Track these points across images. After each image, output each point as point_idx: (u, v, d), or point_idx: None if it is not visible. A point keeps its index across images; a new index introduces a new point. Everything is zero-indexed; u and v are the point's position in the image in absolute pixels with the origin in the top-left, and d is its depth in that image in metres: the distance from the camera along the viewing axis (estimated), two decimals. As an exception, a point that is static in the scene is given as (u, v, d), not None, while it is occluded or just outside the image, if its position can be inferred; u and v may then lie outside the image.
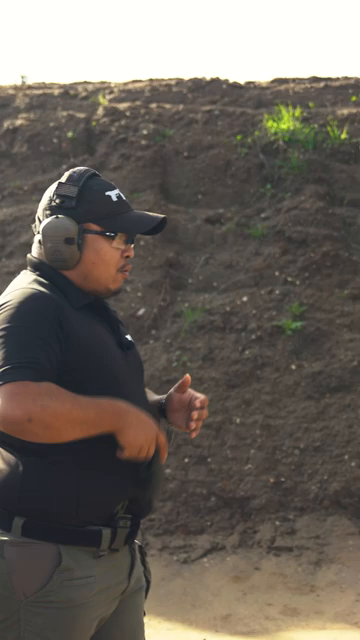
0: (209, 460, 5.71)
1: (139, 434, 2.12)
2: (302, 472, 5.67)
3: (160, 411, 2.35)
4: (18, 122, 7.85)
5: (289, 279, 6.60)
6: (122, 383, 2.21)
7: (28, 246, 6.88)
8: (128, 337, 2.36)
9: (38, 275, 2.25)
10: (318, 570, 5.16)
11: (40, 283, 2.22)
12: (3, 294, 2.25)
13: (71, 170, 2.30)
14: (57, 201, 2.24)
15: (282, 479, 5.64)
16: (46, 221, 2.24)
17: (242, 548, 5.36)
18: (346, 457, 5.70)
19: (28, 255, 2.31)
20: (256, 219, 7.00)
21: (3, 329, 2.12)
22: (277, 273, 6.65)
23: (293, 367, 6.12)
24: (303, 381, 6.05)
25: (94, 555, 2.18)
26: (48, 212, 2.25)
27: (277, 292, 6.51)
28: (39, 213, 2.29)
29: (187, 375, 2.19)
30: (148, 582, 2.40)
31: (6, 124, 7.86)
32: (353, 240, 6.86)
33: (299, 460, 5.72)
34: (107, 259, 2.25)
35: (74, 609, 2.15)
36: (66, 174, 2.28)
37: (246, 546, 5.38)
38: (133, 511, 2.23)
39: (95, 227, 2.24)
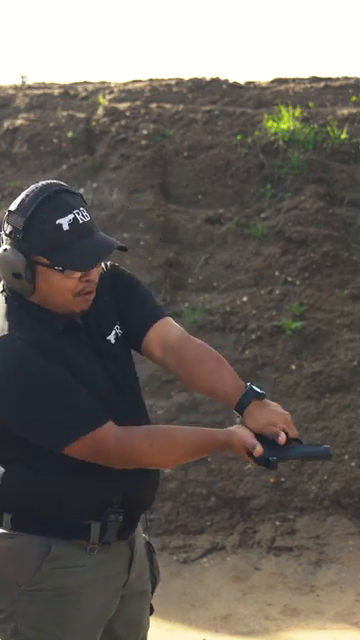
0: (209, 460, 5.71)
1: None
2: (302, 472, 5.67)
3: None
4: (18, 122, 7.85)
5: (289, 279, 6.59)
6: (105, 403, 2.19)
7: (28, 246, 6.88)
8: (112, 337, 2.28)
9: (11, 302, 2.20)
10: (318, 570, 5.16)
11: (16, 319, 2.17)
12: None
13: (25, 193, 2.19)
14: (7, 231, 2.16)
15: (282, 479, 5.64)
16: None
17: (242, 548, 5.36)
18: (346, 457, 5.70)
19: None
20: (256, 219, 7.00)
21: (29, 391, 2.10)
22: (277, 273, 6.64)
23: (293, 367, 6.12)
24: (303, 381, 6.05)
25: (84, 547, 2.20)
26: (3, 239, 2.18)
27: (277, 292, 6.50)
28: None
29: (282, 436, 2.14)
30: (155, 578, 2.42)
31: (6, 124, 7.86)
32: (353, 240, 6.86)
33: (299, 460, 5.71)
34: (60, 289, 2.16)
35: (67, 597, 2.18)
36: (18, 199, 2.18)
37: (246, 546, 5.37)
38: (127, 507, 2.25)
39: (44, 260, 2.13)
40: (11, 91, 8.48)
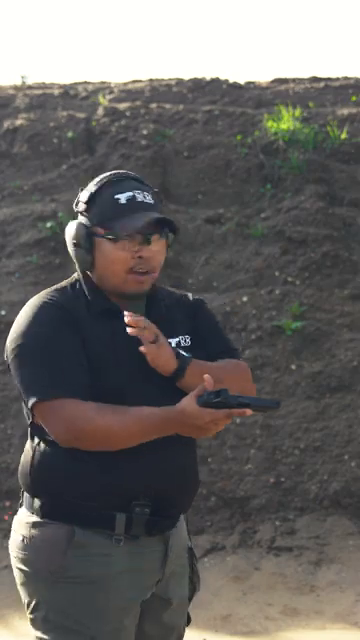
0: (209, 460, 5.71)
1: (197, 434, 2.17)
2: (302, 472, 5.67)
3: None
4: (18, 122, 7.85)
5: (289, 279, 6.59)
6: (130, 391, 2.23)
7: (28, 246, 6.87)
8: (173, 341, 2.33)
9: (76, 277, 2.36)
10: (318, 570, 5.16)
11: (65, 288, 2.32)
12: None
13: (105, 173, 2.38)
14: (76, 206, 2.34)
15: (282, 479, 5.64)
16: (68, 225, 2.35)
17: (242, 548, 5.36)
18: (346, 457, 5.70)
19: None
20: (256, 219, 7.00)
21: (26, 348, 2.22)
22: (277, 273, 6.64)
23: (293, 367, 6.12)
24: (303, 381, 6.04)
25: (110, 537, 2.22)
26: (73, 216, 2.37)
27: (277, 292, 6.50)
28: None
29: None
30: (194, 587, 2.43)
31: (6, 124, 7.86)
32: (353, 240, 6.86)
33: (299, 460, 5.72)
34: (112, 260, 2.26)
35: (92, 585, 2.21)
36: (93, 181, 2.37)
37: (246, 546, 5.37)
38: (155, 501, 2.25)
39: (100, 230, 2.27)
40: (11, 91, 8.48)
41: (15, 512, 2.42)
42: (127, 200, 2.27)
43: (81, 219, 2.31)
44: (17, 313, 2.36)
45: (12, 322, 2.35)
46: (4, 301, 6.51)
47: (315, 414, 5.90)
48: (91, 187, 2.32)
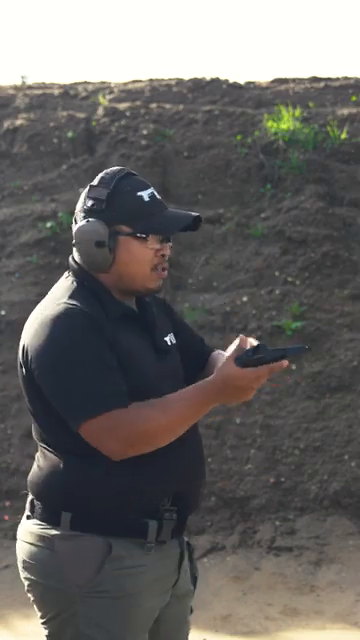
0: (209, 460, 5.71)
1: (240, 397, 2.16)
2: (302, 472, 5.67)
3: None
4: (18, 122, 7.85)
5: (289, 279, 6.59)
6: (153, 392, 2.22)
7: (28, 246, 6.87)
8: (167, 339, 2.37)
9: (77, 282, 2.28)
10: (318, 570, 5.16)
11: (77, 294, 2.24)
12: (41, 306, 2.27)
13: (104, 171, 2.30)
14: (88, 204, 2.25)
15: (282, 479, 5.64)
16: (78, 225, 2.25)
17: (242, 548, 5.36)
18: (346, 457, 5.70)
19: (70, 258, 2.33)
20: (256, 219, 7.00)
21: (64, 358, 2.15)
22: (277, 273, 6.64)
23: (293, 367, 6.12)
24: (303, 381, 6.04)
25: (142, 546, 2.21)
26: (82, 215, 2.27)
27: (277, 292, 6.50)
28: (75, 216, 2.30)
29: (241, 336, 2.18)
30: (195, 578, 2.44)
31: (6, 124, 7.86)
32: (353, 240, 6.86)
33: (299, 460, 5.72)
34: (140, 259, 2.25)
35: (128, 598, 2.19)
36: (99, 176, 2.29)
37: (246, 546, 5.37)
38: (179, 504, 2.27)
39: (126, 229, 2.23)
40: (11, 91, 8.48)
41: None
42: (149, 198, 2.25)
43: (102, 216, 2.23)
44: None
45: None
46: (4, 301, 6.51)
47: (315, 414, 5.90)
48: (105, 184, 2.25)
